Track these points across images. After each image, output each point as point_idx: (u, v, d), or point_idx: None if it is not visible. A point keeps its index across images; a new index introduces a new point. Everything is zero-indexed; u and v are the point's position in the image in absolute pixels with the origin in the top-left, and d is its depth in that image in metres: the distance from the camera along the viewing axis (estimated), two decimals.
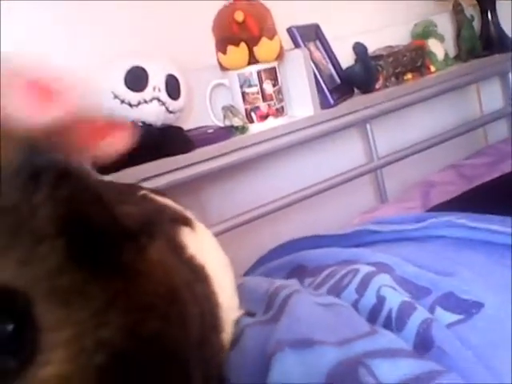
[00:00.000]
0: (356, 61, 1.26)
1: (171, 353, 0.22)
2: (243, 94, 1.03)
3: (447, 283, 0.43)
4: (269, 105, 1.03)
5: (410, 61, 1.31)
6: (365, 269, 0.46)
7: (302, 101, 1.09)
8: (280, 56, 1.05)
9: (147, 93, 0.88)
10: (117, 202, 0.24)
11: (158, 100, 0.89)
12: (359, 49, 1.25)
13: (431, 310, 0.40)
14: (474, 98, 1.62)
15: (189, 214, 0.36)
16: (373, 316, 0.41)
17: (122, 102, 0.87)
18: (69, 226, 0.20)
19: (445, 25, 1.51)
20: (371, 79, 1.24)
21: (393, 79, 1.28)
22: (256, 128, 1.03)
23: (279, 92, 1.05)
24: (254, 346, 0.34)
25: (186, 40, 1.05)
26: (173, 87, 0.91)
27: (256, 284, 0.45)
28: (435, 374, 0.32)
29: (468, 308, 0.40)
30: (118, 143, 0.35)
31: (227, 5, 1.01)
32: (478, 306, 0.40)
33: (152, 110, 0.88)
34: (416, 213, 0.91)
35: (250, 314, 0.38)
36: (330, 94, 1.13)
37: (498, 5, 1.52)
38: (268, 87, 1.03)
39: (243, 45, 0.99)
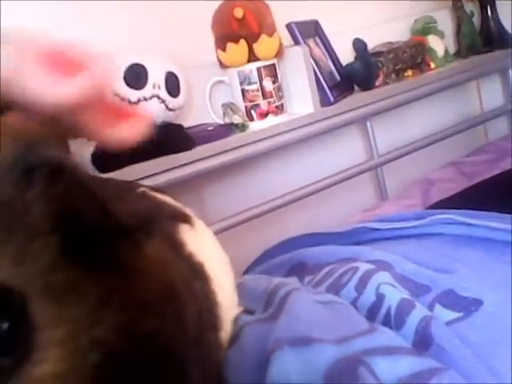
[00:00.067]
0: (356, 57, 1.25)
1: (167, 350, 0.22)
2: (243, 92, 1.03)
3: (446, 280, 0.43)
4: (269, 102, 1.03)
5: (410, 57, 1.31)
6: (364, 266, 0.45)
7: (301, 98, 1.09)
8: (280, 53, 1.04)
9: (147, 90, 0.88)
10: (114, 199, 0.23)
11: (158, 97, 0.89)
12: (359, 45, 1.24)
13: (430, 307, 0.40)
14: (474, 94, 1.62)
15: (188, 211, 0.36)
16: (372, 314, 0.41)
17: (122, 99, 0.87)
18: (63, 223, 0.19)
19: (445, 21, 1.51)
20: (371, 76, 1.24)
21: (393, 76, 1.28)
22: (256, 126, 1.03)
23: (279, 89, 1.05)
24: (253, 343, 0.34)
25: (185, 37, 1.05)
26: (172, 85, 0.91)
27: (255, 282, 0.45)
28: (434, 371, 0.32)
29: (467, 305, 0.40)
30: (133, 131, 0.34)
31: (226, 2, 1.01)
32: (478, 303, 0.40)
33: (152, 107, 0.88)
34: (415, 210, 0.91)
35: (249, 311, 0.38)
36: (330, 91, 1.13)
37: (497, 0, 1.52)
38: (268, 84, 1.03)
39: (243, 42, 0.99)
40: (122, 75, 0.87)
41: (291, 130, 1.06)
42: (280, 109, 1.05)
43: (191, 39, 1.03)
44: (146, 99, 0.88)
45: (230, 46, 0.99)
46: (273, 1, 1.04)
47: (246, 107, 1.04)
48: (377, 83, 1.26)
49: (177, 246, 0.29)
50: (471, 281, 0.42)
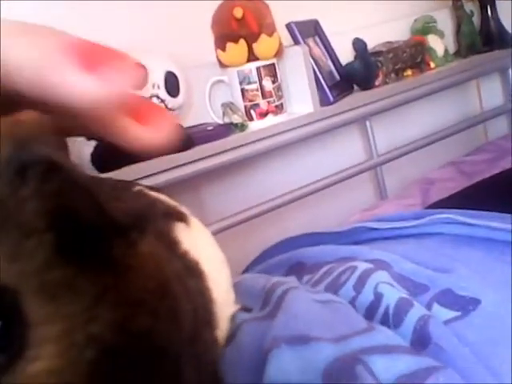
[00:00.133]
0: (355, 57, 1.25)
1: (162, 348, 0.22)
2: (242, 91, 1.03)
3: (445, 280, 0.43)
4: (268, 102, 1.03)
5: (410, 57, 1.31)
6: (363, 266, 0.45)
7: (301, 98, 1.09)
8: (279, 52, 1.05)
9: (146, 90, 0.88)
10: (109, 197, 0.23)
11: (157, 97, 0.89)
12: (359, 45, 1.24)
13: (428, 306, 0.40)
14: (474, 94, 1.62)
15: (184, 209, 0.36)
16: (370, 313, 0.41)
17: None
18: (57, 221, 0.19)
19: (444, 20, 1.51)
20: (371, 75, 1.24)
21: (392, 75, 1.28)
22: (255, 125, 1.03)
23: (279, 89, 1.05)
24: (250, 341, 0.34)
25: (185, 37, 1.05)
26: (172, 84, 0.91)
27: (253, 280, 0.45)
28: (432, 370, 0.32)
29: (465, 304, 0.40)
30: (161, 133, 0.32)
31: (226, 1, 1.01)
32: (475, 302, 0.40)
33: None
34: (414, 210, 0.91)
35: (246, 309, 0.38)
36: (330, 90, 1.13)
37: (497, 0, 1.52)
38: (267, 84, 1.03)
39: (242, 41, 0.99)
40: None
41: (291, 129, 1.06)
42: (279, 108, 1.05)
43: (191, 39, 1.03)
44: None
45: (229, 45, 0.99)
46: (273, 1, 1.04)
47: (245, 107, 1.04)
48: (376, 83, 1.26)
49: (172, 245, 0.29)
50: (470, 280, 0.42)
